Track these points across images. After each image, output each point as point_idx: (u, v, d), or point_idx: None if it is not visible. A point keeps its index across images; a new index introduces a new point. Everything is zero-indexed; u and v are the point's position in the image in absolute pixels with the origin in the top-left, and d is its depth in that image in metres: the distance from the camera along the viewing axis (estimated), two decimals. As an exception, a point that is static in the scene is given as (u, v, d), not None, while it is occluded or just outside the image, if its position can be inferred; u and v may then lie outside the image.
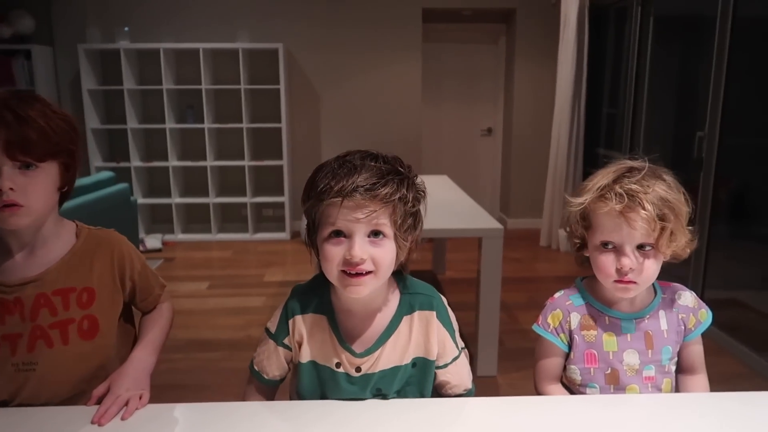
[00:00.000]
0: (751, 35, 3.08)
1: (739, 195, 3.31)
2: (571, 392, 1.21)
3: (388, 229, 0.97)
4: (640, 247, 1.07)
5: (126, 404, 1.03)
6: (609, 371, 1.15)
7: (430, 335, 1.09)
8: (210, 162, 5.26)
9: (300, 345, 1.09)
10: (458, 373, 1.14)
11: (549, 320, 1.19)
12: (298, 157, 5.57)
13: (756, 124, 3.13)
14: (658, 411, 1.04)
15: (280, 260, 4.78)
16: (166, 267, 4.61)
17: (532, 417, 1.02)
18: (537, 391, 1.23)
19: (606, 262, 1.09)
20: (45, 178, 1.05)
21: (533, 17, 5.41)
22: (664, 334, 1.16)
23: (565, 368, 1.20)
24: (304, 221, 1.04)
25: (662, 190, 1.05)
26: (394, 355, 1.08)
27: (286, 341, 1.10)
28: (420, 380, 1.11)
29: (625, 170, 1.10)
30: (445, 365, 1.13)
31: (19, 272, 1.10)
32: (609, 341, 1.16)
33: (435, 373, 1.13)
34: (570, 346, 1.18)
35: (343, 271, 0.97)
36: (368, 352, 1.07)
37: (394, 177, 0.96)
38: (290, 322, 1.09)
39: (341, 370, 1.07)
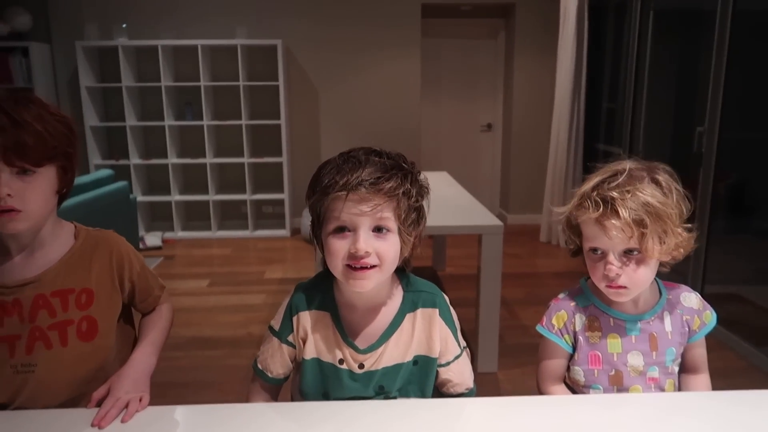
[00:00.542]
0: (750, 29, 3.07)
1: (738, 190, 3.31)
2: (574, 393, 1.20)
3: (392, 224, 0.98)
4: (628, 251, 1.06)
5: (126, 407, 1.03)
6: (613, 372, 1.15)
7: (432, 333, 1.10)
8: (209, 159, 5.25)
9: (304, 341, 1.09)
10: (460, 371, 1.15)
11: (553, 321, 1.19)
12: (297, 154, 5.56)
13: (755, 119, 3.12)
14: (661, 410, 1.04)
15: (281, 257, 4.78)
16: (166, 265, 4.61)
17: (537, 417, 1.02)
18: (540, 392, 1.23)
19: (595, 269, 1.10)
20: (43, 183, 1.04)
21: (532, 12, 5.39)
22: (668, 335, 1.16)
23: (568, 369, 1.20)
24: (307, 217, 1.05)
25: (647, 193, 1.03)
26: (396, 352, 1.08)
27: (290, 338, 1.11)
28: (421, 378, 1.12)
29: (609, 175, 1.08)
30: (447, 363, 1.13)
31: (18, 273, 1.10)
32: (613, 343, 1.15)
33: (437, 372, 1.14)
34: (574, 347, 1.18)
35: (348, 266, 0.98)
36: (371, 348, 1.07)
37: (398, 172, 0.97)
38: (294, 318, 1.10)
39: (344, 366, 1.08)
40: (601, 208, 1.03)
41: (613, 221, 1.02)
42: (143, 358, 1.16)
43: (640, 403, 1.08)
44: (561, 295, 1.23)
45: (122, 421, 1.00)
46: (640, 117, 4.24)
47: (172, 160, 5.22)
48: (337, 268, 1.00)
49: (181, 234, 5.36)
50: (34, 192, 1.02)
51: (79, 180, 3.40)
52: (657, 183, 1.07)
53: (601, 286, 1.10)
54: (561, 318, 1.19)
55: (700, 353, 1.20)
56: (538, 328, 1.21)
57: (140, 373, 1.12)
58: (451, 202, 3.11)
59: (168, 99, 5.14)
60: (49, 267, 1.11)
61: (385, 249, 0.98)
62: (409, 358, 1.09)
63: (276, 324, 1.12)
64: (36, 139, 1.00)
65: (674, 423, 1.00)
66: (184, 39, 5.10)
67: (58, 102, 5.16)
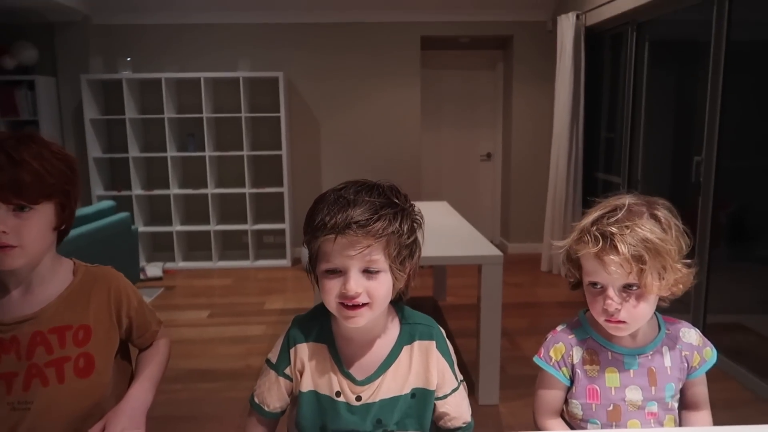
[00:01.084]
0: (744, 59, 3.12)
1: (739, 218, 3.31)
2: (572, 427, 1.19)
3: (382, 264, 0.99)
4: (628, 286, 1.06)
5: (122, 443, 1.02)
6: (611, 408, 1.14)
7: (429, 365, 1.10)
8: (211, 189, 5.28)
9: (301, 374, 1.09)
10: (457, 404, 1.14)
11: (551, 353, 1.18)
12: (298, 184, 5.59)
13: (753, 147, 3.15)
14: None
15: (281, 287, 4.77)
16: (167, 295, 4.59)
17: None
18: (536, 425, 1.21)
19: (595, 303, 1.10)
20: (39, 220, 1.05)
21: (530, 44, 5.48)
22: (667, 370, 1.15)
23: (566, 402, 1.19)
24: (306, 250, 1.06)
25: (646, 229, 1.03)
26: (394, 384, 1.08)
27: (287, 371, 1.11)
28: (419, 412, 1.11)
29: (609, 210, 1.09)
30: (445, 396, 1.13)
31: (16, 310, 1.10)
32: (611, 377, 1.15)
33: (434, 405, 1.13)
34: (572, 380, 1.17)
35: (341, 303, 0.99)
36: (369, 380, 1.07)
37: (388, 210, 0.98)
38: (291, 351, 1.10)
39: (342, 399, 1.07)
40: (600, 243, 1.04)
41: (612, 257, 1.03)
42: (139, 394, 1.15)
43: (640, 439, 1.07)
44: (559, 328, 1.22)
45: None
46: (638, 146, 4.27)
47: (174, 190, 5.26)
48: (330, 305, 1.01)
49: (182, 264, 5.36)
50: (31, 228, 1.04)
51: (81, 211, 3.42)
52: (656, 218, 1.07)
53: (601, 320, 1.10)
54: (559, 351, 1.18)
55: (701, 391, 1.19)
56: (536, 359, 1.20)
57: (136, 409, 1.12)
58: (451, 233, 3.12)
59: (171, 130, 5.20)
60: (48, 304, 1.12)
61: (375, 288, 0.99)
62: (407, 390, 1.09)
63: (273, 357, 1.12)
64: (33, 177, 1.01)
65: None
66: (187, 72, 5.19)
67: (62, 134, 5.22)
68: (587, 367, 1.16)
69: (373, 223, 0.95)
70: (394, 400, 1.08)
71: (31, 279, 1.12)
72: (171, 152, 5.20)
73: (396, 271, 1.01)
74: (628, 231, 1.03)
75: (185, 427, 2.57)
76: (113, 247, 3.64)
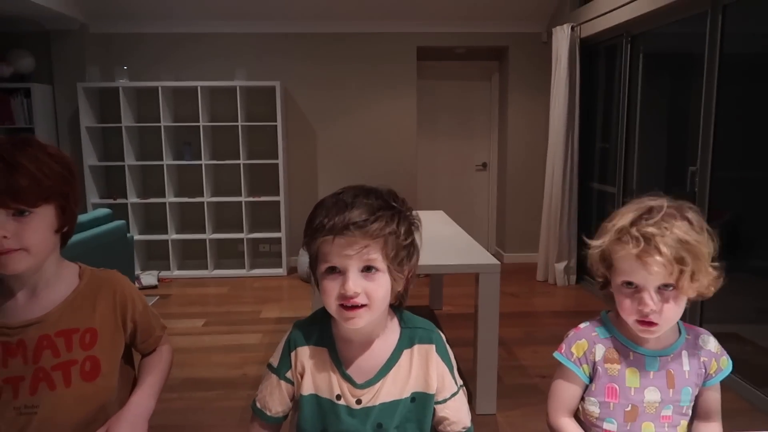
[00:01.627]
0: (738, 71, 3.16)
1: (734, 228, 3.33)
2: (586, 429, 1.19)
3: (380, 264, 1.00)
4: (663, 287, 1.06)
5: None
6: (629, 408, 1.14)
7: (429, 368, 1.11)
8: (207, 198, 5.28)
9: (302, 376, 1.10)
10: (457, 409, 1.14)
11: (573, 349, 1.18)
12: (294, 193, 5.59)
13: (748, 158, 3.18)
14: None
15: (277, 296, 4.76)
16: (162, 304, 4.57)
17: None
18: (550, 421, 1.20)
19: (627, 303, 1.09)
20: (39, 222, 1.05)
21: (525, 55, 5.53)
22: (685, 374, 1.15)
23: (583, 400, 1.19)
24: (303, 256, 1.07)
25: (682, 231, 1.03)
26: (394, 388, 1.09)
27: (288, 375, 1.11)
28: (419, 416, 1.11)
29: (644, 211, 1.08)
30: (444, 401, 1.13)
31: (22, 314, 1.10)
32: (632, 378, 1.14)
33: (434, 409, 1.13)
34: (591, 378, 1.17)
35: (341, 305, 1.00)
36: (369, 383, 1.08)
37: (386, 212, 1.00)
38: (292, 354, 1.11)
39: (342, 402, 1.07)
40: (642, 245, 1.04)
41: (655, 257, 1.03)
42: (142, 401, 1.15)
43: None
44: (582, 325, 1.21)
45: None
46: (633, 157, 4.31)
47: (170, 199, 5.25)
48: (331, 306, 1.02)
49: (177, 273, 5.33)
50: (32, 231, 1.03)
51: (77, 219, 3.40)
52: (689, 221, 1.07)
53: (630, 320, 1.10)
54: (581, 347, 1.18)
55: (714, 398, 1.18)
56: (556, 355, 1.19)
57: (138, 416, 1.11)
58: (447, 241, 3.13)
59: (167, 139, 5.20)
60: (54, 307, 1.12)
61: (373, 288, 1.00)
62: (407, 394, 1.09)
63: (274, 361, 1.13)
64: (30, 181, 1.01)
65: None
66: (184, 80, 5.20)
67: (58, 142, 5.20)
68: (608, 365, 1.15)
69: (371, 224, 0.97)
70: (394, 404, 1.08)
71: (37, 282, 1.11)
72: (167, 161, 5.19)
73: (394, 272, 1.02)
74: (668, 232, 1.03)
75: (181, 436, 2.55)
76: (108, 255, 3.63)
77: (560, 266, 5.01)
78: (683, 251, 1.02)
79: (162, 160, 5.18)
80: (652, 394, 1.13)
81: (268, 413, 1.12)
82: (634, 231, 1.06)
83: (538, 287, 5.04)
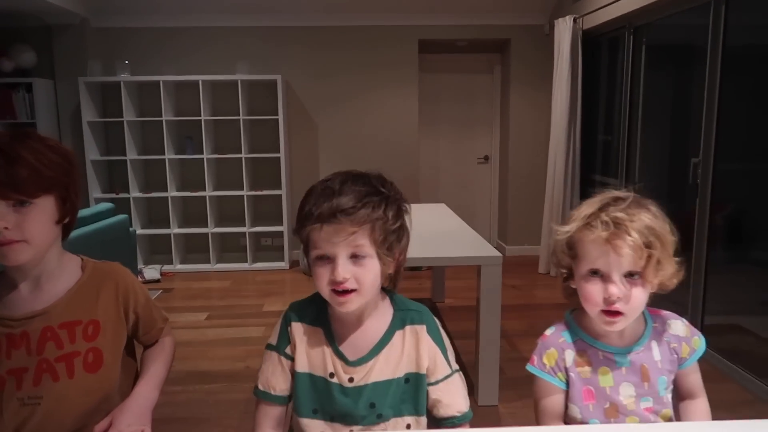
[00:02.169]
0: (741, 62, 3.14)
1: (735, 220, 3.33)
2: None
3: (369, 249, 1.02)
4: (628, 275, 1.07)
5: (128, 439, 1.02)
6: (608, 405, 1.14)
7: (420, 348, 1.12)
8: (209, 192, 5.28)
9: (298, 351, 1.12)
10: (449, 391, 1.14)
11: (544, 360, 1.18)
12: (296, 187, 5.59)
13: (750, 150, 3.17)
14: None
15: (279, 290, 4.77)
16: (165, 298, 4.59)
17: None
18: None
19: (593, 291, 1.08)
20: (40, 213, 1.06)
21: (527, 47, 5.50)
22: (657, 364, 1.15)
23: (565, 407, 1.19)
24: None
25: (648, 218, 1.06)
26: (387, 368, 1.10)
27: (287, 350, 1.13)
28: (414, 396, 1.12)
29: (611, 199, 1.11)
30: (437, 382, 1.13)
31: (26, 306, 1.11)
32: (604, 377, 1.15)
33: (427, 391, 1.14)
34: (567, 384, 1.17)
35: (333, 290, 1.03)
36: (361, 361, 1.09)
37: (373, 198, 1.02)
38: (289, 329, 1.14)
39: (335, 380, 1.09)
40: (612, 228, 1.05)
41: (626, 240, 1.04)
42: (145, 392, 1.16)
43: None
44: (548, 332, 1.21)
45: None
46: (635, 149, 4.29)
47: (172, 193, 5.25)
48: (323, 291, 1.05)
49: (179, 267, 5.35)
50: (32, 222, 1.04)
51: (79, 213, 3.40)
52: (652, 213, 1.09)
53: (595, 312, 1.09)
54: (551, 356, 1.17)
55: (694, 379, 1.20)
56: (529, 367, 1.19)
57: (142, 406, 1.12)
58: (449, 234, 3.13)
59: (169, 133, 5.20)
60: (57, 299, 1.12)
61: (362, 274, 1.02)
62: (400, 374, 1.11)
63: (273, 340, 1.15)
64: (30, 172, 1.02)
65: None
66: (186, 74, 5.19)
67: (60, 136, 5.20)
68: (580, 369, 1.16)
69: (358, 211, 0.99)
70: (387, 383, 1.10)
71: (39, 274, 1.12)
72: (169, 155, 5.20)
73: (384, 256, 1.04)
74: (636, 218, 1.05)
75: (184, 428, 2.56)
76: (111, 249, 3.64)
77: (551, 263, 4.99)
78: (651, 236, 1.05)
79: (164, 154, 5.19)
80: (627, 390, 1.14)
81: (273, 392, 1.13)
82: (603, 216, 1.07)
83: (539, 279, 5.05)
